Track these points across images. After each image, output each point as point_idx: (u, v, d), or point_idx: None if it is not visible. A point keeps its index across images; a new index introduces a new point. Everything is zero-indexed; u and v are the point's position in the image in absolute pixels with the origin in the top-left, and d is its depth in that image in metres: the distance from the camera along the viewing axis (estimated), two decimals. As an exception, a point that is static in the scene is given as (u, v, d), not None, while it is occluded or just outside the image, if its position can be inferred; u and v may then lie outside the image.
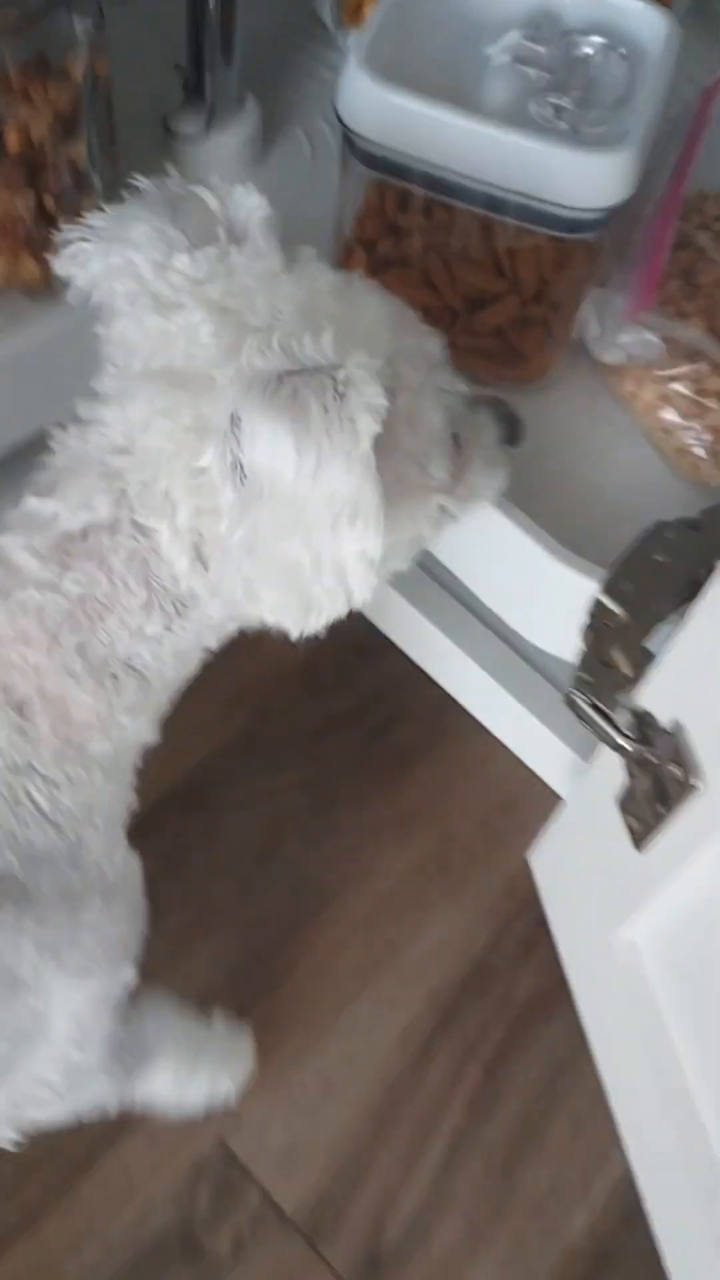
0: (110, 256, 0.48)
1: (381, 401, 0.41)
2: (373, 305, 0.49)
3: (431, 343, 0.51)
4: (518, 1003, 0.83)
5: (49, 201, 0.67)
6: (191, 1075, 0.69)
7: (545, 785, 0.88)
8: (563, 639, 0.66)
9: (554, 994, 0.82)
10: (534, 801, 0.88)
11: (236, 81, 0.78)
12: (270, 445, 0.40)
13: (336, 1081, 0.79)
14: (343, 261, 0.73)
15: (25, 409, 0.69)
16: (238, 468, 0.42)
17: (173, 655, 0.49)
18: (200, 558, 0.46)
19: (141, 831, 0.84)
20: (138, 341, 0.47)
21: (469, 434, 0.54)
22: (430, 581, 0.82)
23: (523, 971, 0.84)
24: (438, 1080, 0.80)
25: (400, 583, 0.83)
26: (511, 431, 0.58)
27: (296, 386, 0.41)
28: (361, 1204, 0.75)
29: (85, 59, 0.65)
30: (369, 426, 0.41)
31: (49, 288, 0.71)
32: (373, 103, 0.61)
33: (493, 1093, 0.80)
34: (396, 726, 0.92)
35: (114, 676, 0.48)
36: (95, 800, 0.50)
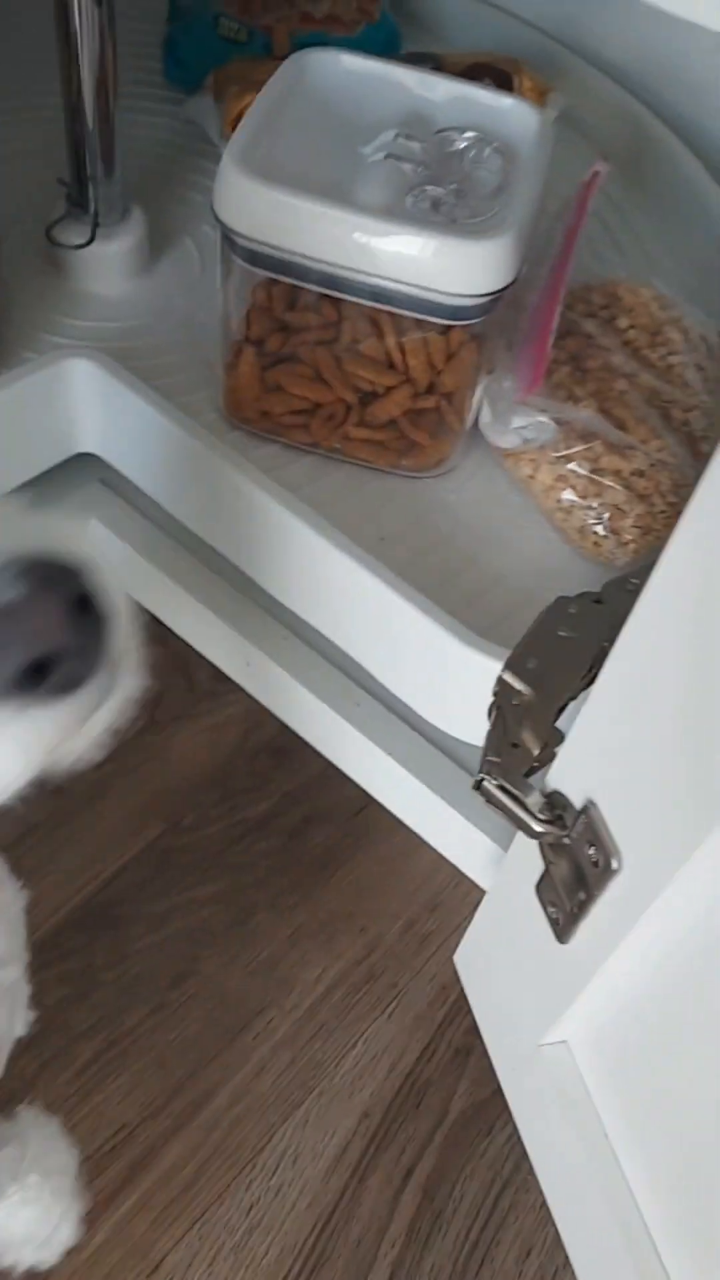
0: None
1: None
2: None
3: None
4: (454, 1116, 0.78)
5: None
6: (57, 1221, 0.62)
7: (470, 881, 0.85)
8: (475, 726, 0.64)
9: (491, 1103, 0.78)
10: (460, 899, 0.85)
11: (119, 193, 0.78)
12: None
13: (264, 1217, 0.73)
14: (232, 361, 0.73)
15: None
16: None
17: None
18: None
19: (46, 955, 0.80)
20: None
21: None
22: (340, 675, 0.80)
23: (458, 1082, 0.79)
24: (373, 1207, 0.74)
25: (310, 679, 0.82)
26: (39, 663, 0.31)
27: None
28: None
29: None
30: None
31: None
32: (249, 199, 0.62)
33: (433, 1216, 0.74)
34: (314, 828, 0.89)
35: None
36: None
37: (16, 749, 0.31)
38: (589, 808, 0.46)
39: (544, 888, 0.52)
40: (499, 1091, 0.78)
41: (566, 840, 0.48)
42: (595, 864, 0.46)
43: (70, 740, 0.33)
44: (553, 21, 1.01)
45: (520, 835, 0.54)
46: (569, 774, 0.49)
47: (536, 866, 0.52)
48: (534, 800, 0.49)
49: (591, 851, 0.46)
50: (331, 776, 0.90)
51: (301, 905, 0.85)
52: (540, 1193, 0.74)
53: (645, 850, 0.45)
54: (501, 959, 0.65)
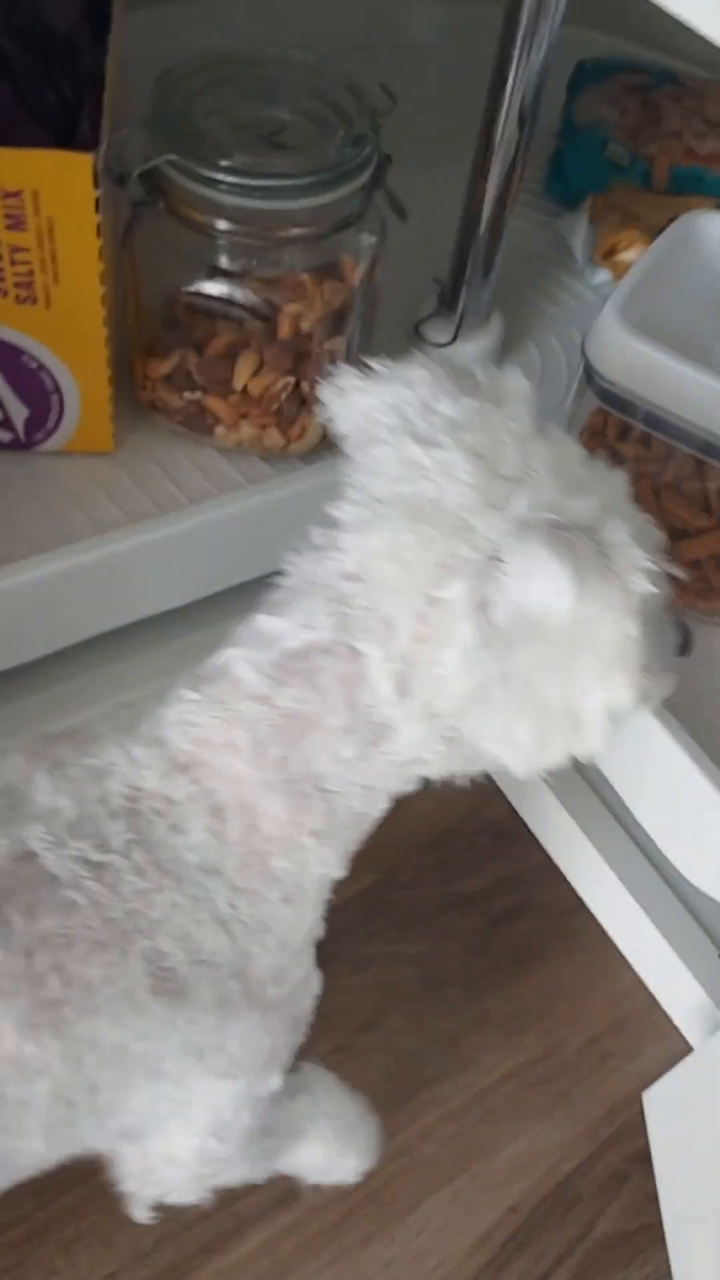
0: (384, 392, 0.50)
1: (651, 565, 0.44)
2: (617, 483, 0.51)
3: (654, 532, 0.52)
4: (598, 1237, 0.79)
5: (305, 386, 0.74)
6: (343, 1154, 0.69)
7: (662, 1015, 0.86)
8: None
9: (637, 1237, 0.79)
10: (649, 1028, 0.86)
11: (488, 298, 0.84)
12: (548, 586, 0.42)
13: (399, 1276, 0.77)
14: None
15: (248, 557, 0.75)
16: (484, 606, 0.44)
17: (361, 787, 0.50)
18: (402, 686, 0.46)
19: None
20: (389, 466, 0.48)
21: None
22: (583, 784, 0.83)
23: (609, 1204, 0.80)
24: (503, 1301, 0.77)
25: (553, 776, 0.85)
26: (685, 640, 0.58)
27: (570, 539, 0.43)
28: None
29: (364, 268, 0.72)
30: (641, 584, 0.43)
31: (282, 455, 0.78)
32: (620, 349, 0.66)
33: (558, 1330, 0.76)
34: (521, 919, 0.92)
35: (304, 794, 0.49)
36: (271, 919, 0.51)
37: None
38: None
39: (764, 1068, 0.53)
40: (647, 1227, 0.79)
41: None
42: None
43: None
44: None
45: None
46: None
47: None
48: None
49: None
50: (548, 873, 0.93)
51: (494, 990, 0.88)
52: (667, 1342, 0.75)
53: None
54: (698, 1117, 0.67)
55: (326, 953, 0.91)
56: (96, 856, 0.48)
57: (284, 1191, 0.79)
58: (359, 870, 0.94)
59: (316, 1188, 0.73)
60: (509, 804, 0.94)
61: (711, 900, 0.66)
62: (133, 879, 0.48)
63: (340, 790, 0.49)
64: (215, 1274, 0.75)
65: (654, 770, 0.69)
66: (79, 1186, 0.76)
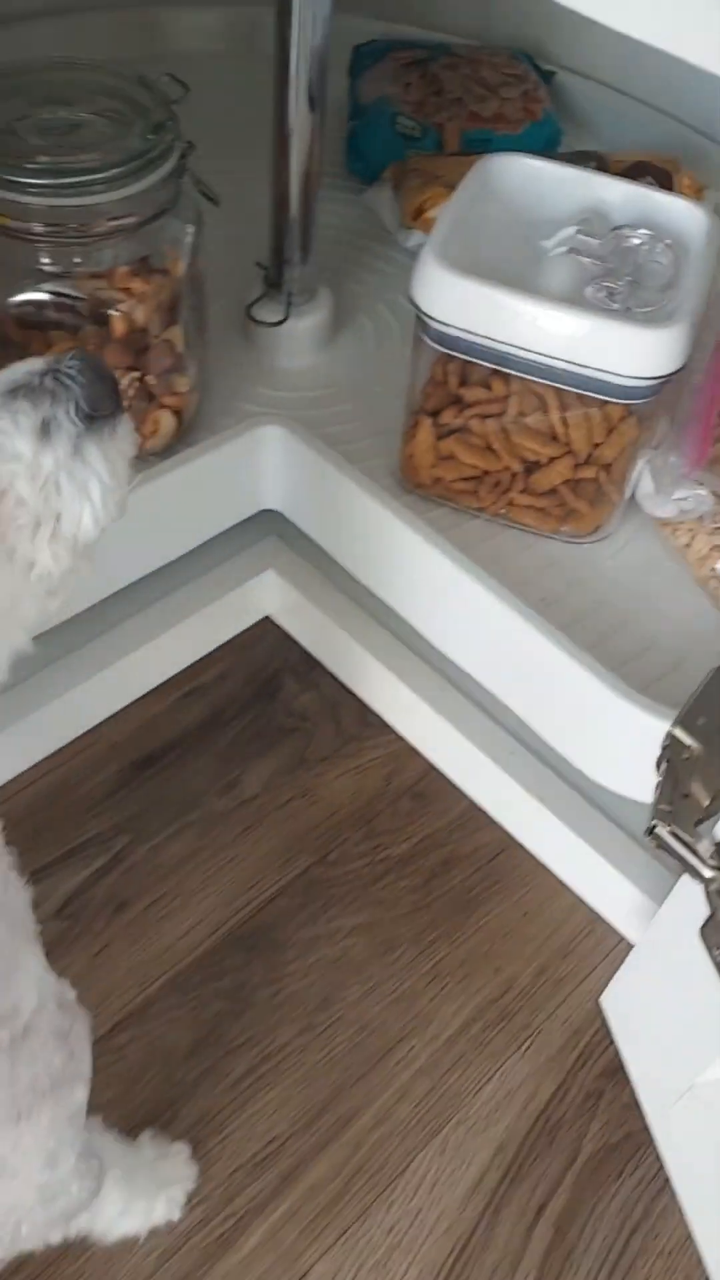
0: None
1: None
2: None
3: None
4: (586, 1157, 0.81)
5: (150, 380, 0.74)
6: (132, 1201, 0.69)
7: (603, 931, 0.88)
8: (629, 778, 0.69)
9: (622, 1147, 0.81)
10: (592, 947, 0.88)
11: (312, 275, 0.86)
12: None
13: (403, 1239, 0.77)
14: (411, 430, 0.80)
15: (125, 562, 0.75)
16: None
17: None
18: None
19: (207, 970, 0.86)
20: None
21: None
22: (495, 725, 0.85)
23: (590, 1124, 0.82)
24: (507, 1238, 0.77)
25: (466, 726, 0.87)
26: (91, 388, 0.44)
27: None
28: None
29: (186, 257, 0.73)
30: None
31: (140, 457, 0.78)
32: (445, 289, 0.69)
33: (565, 1253, 0.77)
34: (453, 870, 0.93)
35: None
36: None
37: (105, 468, 0.43)
38: (761, 854, 0.51)
39: (710, 931, 0.56)
40: (630, 1136, 0.81)
41: (736, 884, 0.52)
42: (765, 906, 0.50)
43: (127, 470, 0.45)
44: (705, 120, 1.07)
45: (682, 882, 0.58)
46: (739, 823, 0.53)
47: (701, 911, 0.56)
48: (704, 847, 0.53)
49: (762, 895, 0.50)
50: (469, 822, 0.95)
51: (440, 942, 0.89)
52: (668, 1236, 0.77)
53: None
54: (657, 1001, 0.69)
55: (270, 942, 0.91)
56: None
57: (276, 1180, 0.78)
58: (290, 857, 0.95)
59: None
60: (418, 766, 0.96)
61: (624, 799, 0.69)
62: None
63: None
64: (224, 1277, 0.74)
65: (555, 688, 0.71)
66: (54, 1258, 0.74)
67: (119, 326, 0.72)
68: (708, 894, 0.55)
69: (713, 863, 0.53)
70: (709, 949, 0.56)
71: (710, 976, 0.56)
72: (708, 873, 0.53)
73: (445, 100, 1.05)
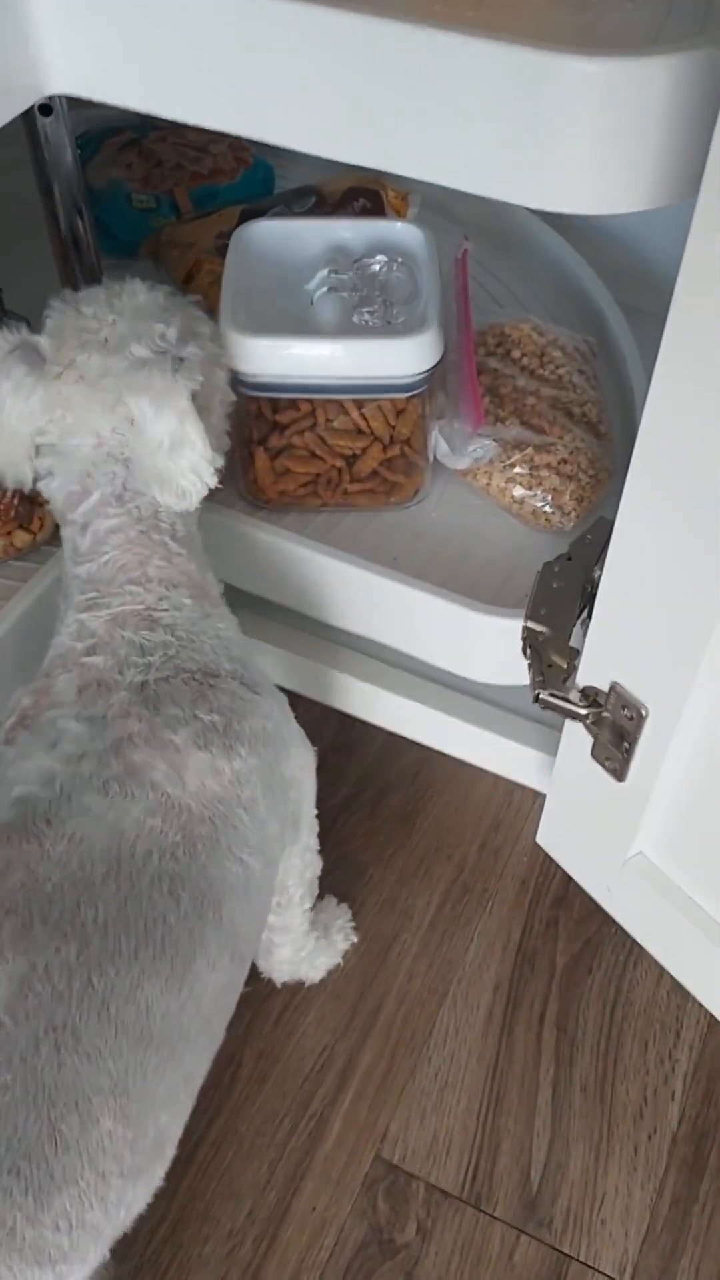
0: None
1: (198, 379, 0.71)
2: (188, 308, 0.76)
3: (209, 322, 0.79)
4: (561, 968, 1.02)
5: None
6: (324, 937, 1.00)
7: (520, 795, 1.10)
8: (502, 670, 0.89)
9: (585, 952, 1.03)
10: (514, 814, 1.09)
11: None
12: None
13: (448, 1079, 0.96)
14: (247, 460, 0.96)
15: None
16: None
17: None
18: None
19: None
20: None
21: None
22: (386, 666, 1.04)
23: (556, 944, 1.03)
24: (524, 1049, 0.98)
25: (367, 673, 1.05)
26: None
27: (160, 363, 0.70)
28: (503, 1163, 0.92)
29: None
30: (193, 379, 0.71)
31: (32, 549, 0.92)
32: (245, 349, 0.85)
33: (569, 1042, 0.98)
34: (391, 794, 1.12)
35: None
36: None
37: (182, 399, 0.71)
38: (615, 686, 0.71)
39: (597, 751, 0.76)
40: (589, 942, 1.03)
41: (605, 714, 0.73)
42: (630, 719, 0.70)
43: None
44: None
45: (569, 725, 0.78)
46: (593, 671, 0.74)
47: (587, 741, 0.77)
48: (575, 696, 0.73)
49: (625, 712, 0.71)
50: (388, 754, 1.14)
51: (399, 853, 1.08)
52: (641, 1002, 0.99)
53: (661, 694, 0.69)
54: (577, 816, 0.89)
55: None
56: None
57: (336, 1079, 0.96)
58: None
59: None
60: (331, 726, 1.14)
61: (501, 688, 0.89)
62: None
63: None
64: (323, 1162, 0.91)
65: (428, 622, 0.90)
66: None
67: None
68: (587, 727, 0.76)
69: (583, 704, 0.73)
70: (601, 763, 0.77)
71: (609, 783, 0.77)
72: (583, 711, 0.73)
73: (166, 169, 1.21)
